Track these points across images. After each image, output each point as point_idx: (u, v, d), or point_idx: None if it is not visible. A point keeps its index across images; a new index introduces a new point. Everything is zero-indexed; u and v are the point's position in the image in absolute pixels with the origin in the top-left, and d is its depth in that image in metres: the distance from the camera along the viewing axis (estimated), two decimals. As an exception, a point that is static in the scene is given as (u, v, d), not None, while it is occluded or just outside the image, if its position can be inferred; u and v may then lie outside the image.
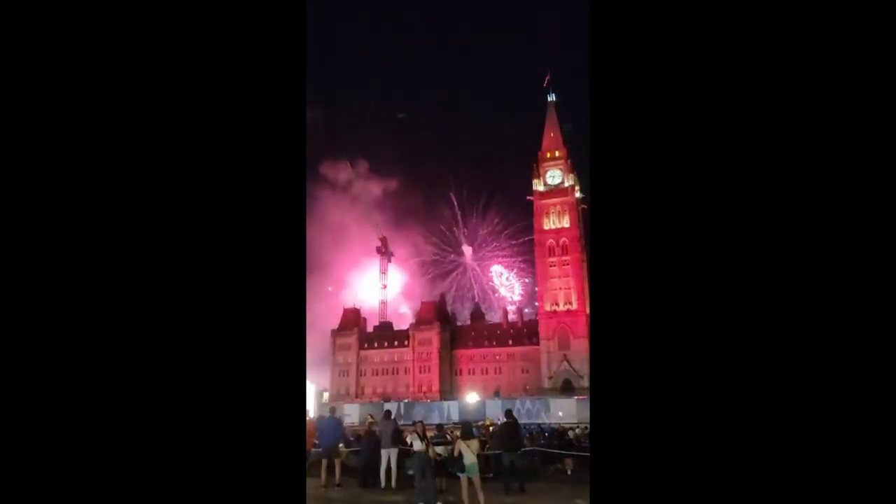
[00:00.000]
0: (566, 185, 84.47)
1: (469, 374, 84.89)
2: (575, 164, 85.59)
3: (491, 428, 18.64)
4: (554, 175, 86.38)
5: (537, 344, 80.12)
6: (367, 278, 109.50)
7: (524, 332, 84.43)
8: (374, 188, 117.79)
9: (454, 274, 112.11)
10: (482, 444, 11.00)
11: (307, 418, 14.55)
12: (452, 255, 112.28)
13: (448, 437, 10.93)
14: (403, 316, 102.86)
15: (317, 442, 12.81)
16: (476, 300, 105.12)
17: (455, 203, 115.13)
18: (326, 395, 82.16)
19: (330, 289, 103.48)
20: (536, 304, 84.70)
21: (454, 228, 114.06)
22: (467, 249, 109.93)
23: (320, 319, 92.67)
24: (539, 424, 30.29)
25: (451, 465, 9.95)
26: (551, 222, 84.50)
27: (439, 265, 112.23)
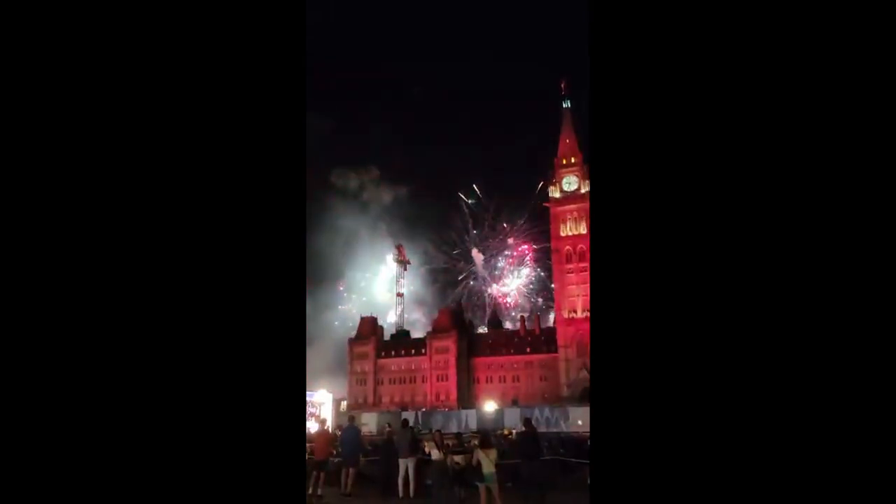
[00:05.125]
0: (582, 191, 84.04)
1: (487, 382, 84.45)
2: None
3: (510, 436, 18.51)
4: (570, 181, 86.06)
5: (555, 351, 79.57)
6: (382, 286, 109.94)
7: (542, 339, 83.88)
8: (385, 195, 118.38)
9: (465, 281, 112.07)
10: (501, 454, 10.92)
11: (328, 429, 14.64)
12: (463, 263, 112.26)
13: (466, 446, 10.87)
14: (416, 323, 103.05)
15: (335, 452, 12.86)
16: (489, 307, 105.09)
17: (466, 211, 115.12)
18: (345, 403, 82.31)
19: (342, 289, 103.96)
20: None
21: (465, 236, 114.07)
22: (478, 257, 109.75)
23: (335, 327, 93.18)
24: (558, 433, 30.03)
25: (469, 475, 9.89)
26: (568, 229, 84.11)
27: (450, 273, 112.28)
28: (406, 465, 11.17)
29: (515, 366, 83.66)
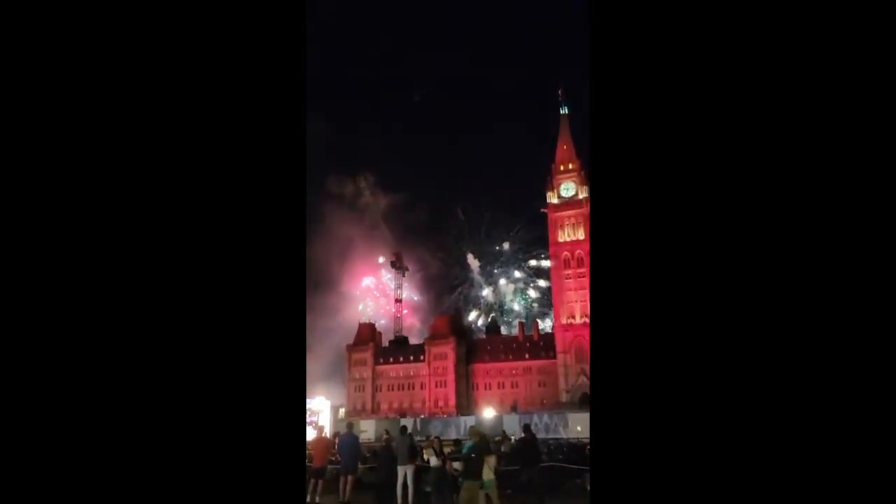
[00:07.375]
0: (580, 197, 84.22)
1: (486, 388, 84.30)
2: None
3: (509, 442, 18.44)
4: (568, 187, 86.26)
5: (554, 357, 79.46)
6: (380, 293, 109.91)
7: (541, 345, 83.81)
8: (381, 202, 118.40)
9: (461, 288, 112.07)
10: (500, 460, 10.89)
11: (326, 435, 14.62)
12: (458, 269, 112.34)
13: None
14: (412, 329, 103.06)
15: (333, 459, 12.81)
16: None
17: (462, 217, 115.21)
18: (343, 410, 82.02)
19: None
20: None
21: (461, 242, 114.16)
22: (474, 263, 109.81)
23: (331, 334, 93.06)
24: (557, 439, 29.98)
25: (468, 481, 9.82)
26: (566, 235, 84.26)
27: (446, 279, 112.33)
28: (405, 472, 11.12)
29: (514, 372, 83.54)
